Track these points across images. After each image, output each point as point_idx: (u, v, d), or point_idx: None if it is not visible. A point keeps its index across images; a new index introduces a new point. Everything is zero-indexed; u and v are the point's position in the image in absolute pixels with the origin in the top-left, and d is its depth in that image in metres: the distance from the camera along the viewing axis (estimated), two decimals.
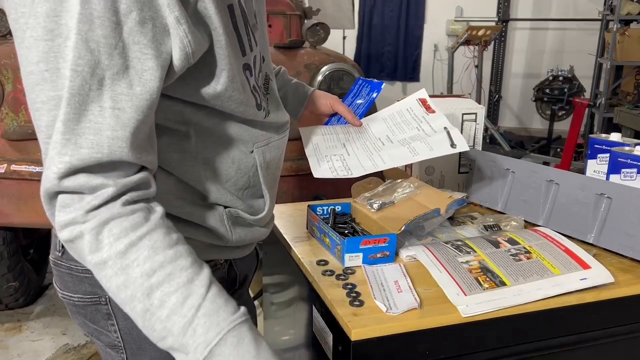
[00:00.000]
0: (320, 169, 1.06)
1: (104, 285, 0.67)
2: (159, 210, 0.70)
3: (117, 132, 0.64)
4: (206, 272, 0.70)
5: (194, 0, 0.70)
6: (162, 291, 0.66)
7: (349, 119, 1.16)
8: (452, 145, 1.04)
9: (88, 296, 0.88)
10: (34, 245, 2.96)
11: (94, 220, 0.65)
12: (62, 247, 0.88)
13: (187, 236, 0.76)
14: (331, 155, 1.10)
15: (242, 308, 0.71)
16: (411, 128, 1.12)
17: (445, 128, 1.09)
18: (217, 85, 0.77)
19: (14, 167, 2.12)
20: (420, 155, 1.06)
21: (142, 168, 0.70)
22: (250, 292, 1.96)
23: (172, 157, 0.82)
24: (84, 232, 0.65)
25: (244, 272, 1.04)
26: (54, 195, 0.65)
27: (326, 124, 1.20)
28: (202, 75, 0.76)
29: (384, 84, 1.21)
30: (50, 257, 0.91)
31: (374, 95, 1.18)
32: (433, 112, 1.13)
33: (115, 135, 0.64)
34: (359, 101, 1.19)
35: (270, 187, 0.94)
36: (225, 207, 0.88)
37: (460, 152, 1.31)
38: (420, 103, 1.16)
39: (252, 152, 0.88)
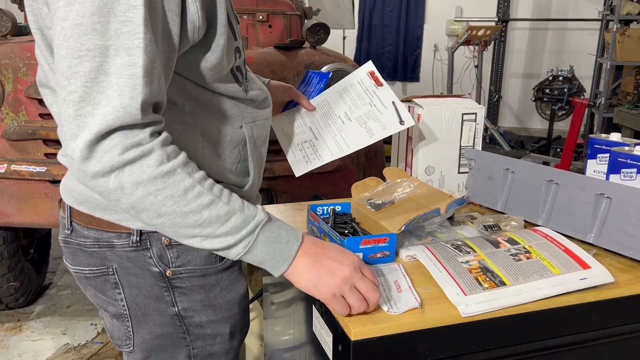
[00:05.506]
0: (298, 165, 1.23)
1: (168, 192, 0.79)
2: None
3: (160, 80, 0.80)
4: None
5: None
6: (218, 185, 0.85)
7: (303, 104, 1.29)
8: (401, 122, 1.18)
9: (97, 268, 0.97)
10: (34, 245, 2.96)
11: (159, 140, 0.79)
12: (71, 225, 0.98)
13: None
14: (302, 142, 1.25)
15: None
16: (364, 104, 1.24)
17: (393, 103, 1.21)
18: (212, 59, 0.90)
19: (14, 167, 2.12)
20: (376, 135, 1.20)
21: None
22: (250, 292, 1.96)
23: (175, 128, 0.91)
24: (154, 148, 0.78)
25: None
26: (116, 129, 0.75)
27: (284, 110, 1.32)
28: (201, 50, 0.89)
29: (331, 74, 1.34)
30: (60, 237, 1.01)
31: (322, 85, 1.31)
32: (381, 84, 1.25)
33: (162, 82, 0.80)
34: (310, 89, 1.33)
35: (256, 163, 1.05)
36: (217, 181, 0.97)
37: (460, 152, 1.40)
38: (369, 75, 1.27)
39: (242, 127, 1.02)
